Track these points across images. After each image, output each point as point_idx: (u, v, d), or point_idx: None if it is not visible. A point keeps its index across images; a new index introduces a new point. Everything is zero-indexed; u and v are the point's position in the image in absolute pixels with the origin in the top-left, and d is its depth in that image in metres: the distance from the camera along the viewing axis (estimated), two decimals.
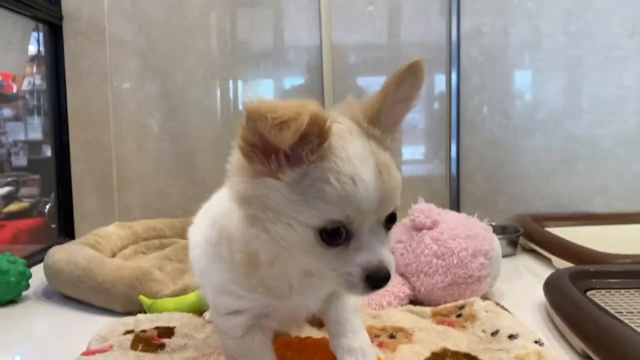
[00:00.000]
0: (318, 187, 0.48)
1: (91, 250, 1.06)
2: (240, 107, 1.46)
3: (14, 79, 1.57)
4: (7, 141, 1.67)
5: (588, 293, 0.84)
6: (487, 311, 0.78)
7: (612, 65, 1.40)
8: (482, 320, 0.76)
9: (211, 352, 0.70)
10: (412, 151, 1.47)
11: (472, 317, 0.78)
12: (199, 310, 0.85)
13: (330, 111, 0.51)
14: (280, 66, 1.46)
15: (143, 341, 0.71)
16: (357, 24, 1.42)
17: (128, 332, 0.75)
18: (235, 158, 0.51)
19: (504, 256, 1.06)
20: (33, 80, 1.58)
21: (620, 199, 1.42)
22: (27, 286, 1.01)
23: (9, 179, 1.60)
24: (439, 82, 1.44)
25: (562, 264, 1.08)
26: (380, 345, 0.71)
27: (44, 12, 1.35)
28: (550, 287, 0.87)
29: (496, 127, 1.43)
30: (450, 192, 1.44)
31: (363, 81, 1.46)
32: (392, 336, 0.74)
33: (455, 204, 1.44)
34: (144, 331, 0.74)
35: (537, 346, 0.66)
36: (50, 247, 1.35)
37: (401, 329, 0.76)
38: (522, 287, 1.03)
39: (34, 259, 1.28)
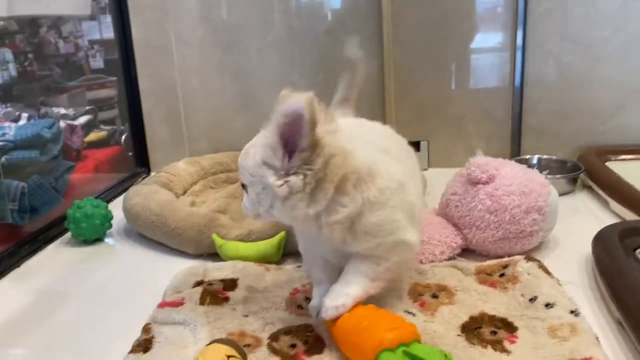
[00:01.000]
0: None
1: (164, 192, 1.16)
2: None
3: None
4: (84, 43, 1.76)
5: (638, 251, 0.84)
6: (529, 274, 0.80)
7: None
8: (523, 284, 0.78)
9: (269, 306, 0.77)
10: (473, 81, 1.43)
11: (514, 279, 0.80)
12: (264, 260, 0.92)
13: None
14: None
15: (210, 295, 0.79)
16: None
17: (198, 283, 0.84)
18: None
19: (562, 194, 1.07)
20: None
21: None
22: (110, 226, 1.12)
23: (87, 108, 1.71)
24: (506, 4, 1.36)
25: (620, 209, 1.07)
26: (422, 305, 0.76)
27: None
28: (597, 244, 0.88)
29: (565, 55, 1.35)
30: (512, 123, 1.41)
31: None
32: (434, 295, 0.78)
33: (517, 136, 1.41)
34: (211, 284, 0.82)
35: (572, 317, 0.69)
36: (129, 176, 1.49)
37: (444, 288, 0.80)
38: (576, 230, 1.02)
39: (118, 189, 1.42)
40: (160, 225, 1.04)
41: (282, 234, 0.95)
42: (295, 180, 0.61)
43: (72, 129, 1.56)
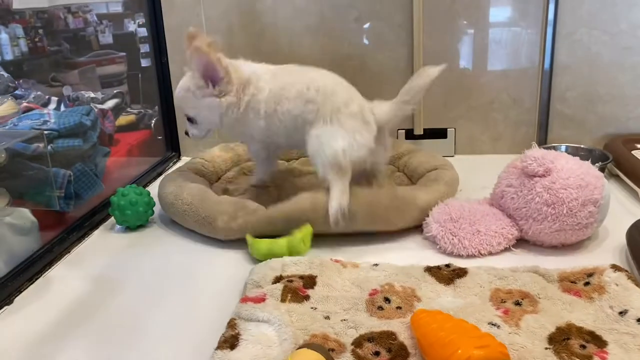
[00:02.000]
0: None
1: (198, 181, 1.19)
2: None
3: None
4: (93, 18, 1.77)
5: None
6: (617, 284, 0.78)
7: None
8: (611, 295, 0.77)
9: (349, 307, 0.79)
10: (502, 69, 1.44)
11: (601, 289, 0.78)
12: (288, 253, 0.94)
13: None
14: None
15: (291, 292, 0.81)
16: None
17: (277, 278, 0.85)
18: None
19: None
20: None
21: None
22: (153, 213, 1.16)
23: (115, 91, 1.73)
24: None
25: None
26: (506, 313, 0.75)
27: None
28: (633, 235, 0.91)
29: (594, 43, 1.37)
30: (539, 110, 1.43)
31: None
32: (517, 303, 0.77)
33: (544, 123, 1.43)
34: (290, 280, 0.84)
35: None
36: (162, 161, 1.52)
37: (527, 295, 0.79)
38: (607, 221, 1.02)
39: (152, 174, 1.45)
40: (191, 214, 1.07)
41: (307, 227, 0.96)
42: (229, 98, 1.03)
43: (103, 113, 1.59)
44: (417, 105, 1.21)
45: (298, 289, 0.82)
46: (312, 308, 0.78)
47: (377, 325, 0.74)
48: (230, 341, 0.70)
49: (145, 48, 1.65)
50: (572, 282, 0.82)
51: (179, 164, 1.55)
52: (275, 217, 1.00)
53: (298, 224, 0.98)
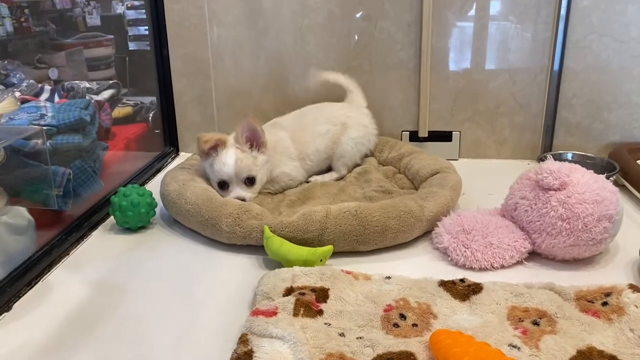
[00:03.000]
0: (214, 167, 1.15)
1: (201, 180, 1.16)
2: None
3: None
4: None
5: None
6: (636, 306, 0.76)
7: None
8: (631, 317, 0.75)
9: (364, 323, 0.76)
10: (509, 73, 1.42)
11: (620, 310, 0.77)
12: (302, 265, 0.90)
13: (230, 137, 1.18)
14: None
15: (304, 306, 0.78)
16: None
17: (288, 290, 0.83)
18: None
19: None
20: None
21: None
22: (155, 214, 1.13)
23: (111, 82, 1.68)
24: (549, 1, 1.35)
25: None
26: (524, 333, 0.73)
27: None
28: None
29: (604, 49, 1.35)
30: (545, 116, 1.42)
31: None
32: (535, 322, 0.76)
33: (550, 130, 1.42)
34: (302, 293, 0.81)
35: None
36: (160, 156, 1.48)
37: (544, 314, 0.77)
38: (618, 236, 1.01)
39: (150, 170, 1.41)
40: (195, 215, 1.05)
41: (330, 247, 0.94)
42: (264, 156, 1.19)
43: (100, 105, 1.54)
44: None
45: (311, 303, 0.80)
46: (326, 324, 0.76)
47: (394, 344, 0.72)
48: (243, 358, 0.68)
49: (133, 31, 1.61)
50: (589, 301, 0.80)
51: (177, 160, 1.52)
52: (287, 224, 0.98)
53: (307, 235, 0.97)
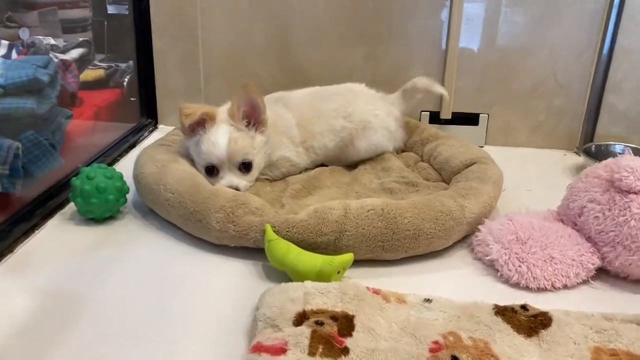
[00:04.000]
0: (201, 147, 0.94)
1: (184, 162, 0.95)
2: None
3: None
4: None
5: None
6: None
7: None
8: None
9: None
10: (550, 48, 1.22)
11: None
12: (315, 279, 0.71)
13: (221, 109, 0.98)
14: None
15: (323, 342, 0.59)
16: None
17: (300, 316, 0.63)
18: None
19: None
20: None
21: None
22: (125, 201, 0.92)
23: (81, 39, 1.46)
24: None
25: None
26: None
27: None
28: None
29: None
30: (589, 100, 1.23)
31: None
32: None
33: (593, 116, 1.24)
34: (320, 323, 0.62)
35: None
36: (135, 129, 1.27)
37: (638, 359, 0.61)
38: None
39: (123, 145, 1.20)
40: (176, 206, 0.85)
41: (350, 256, 0.74)
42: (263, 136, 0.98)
43: (65, 65, 1.31)
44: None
45: (332, 337, 0.60)
46: None
47: None
48: None
49: None
50: None
51: (156, 134, 1.32)
52: (294, 223, 0.78)
53: (320, 238, 0.76)
